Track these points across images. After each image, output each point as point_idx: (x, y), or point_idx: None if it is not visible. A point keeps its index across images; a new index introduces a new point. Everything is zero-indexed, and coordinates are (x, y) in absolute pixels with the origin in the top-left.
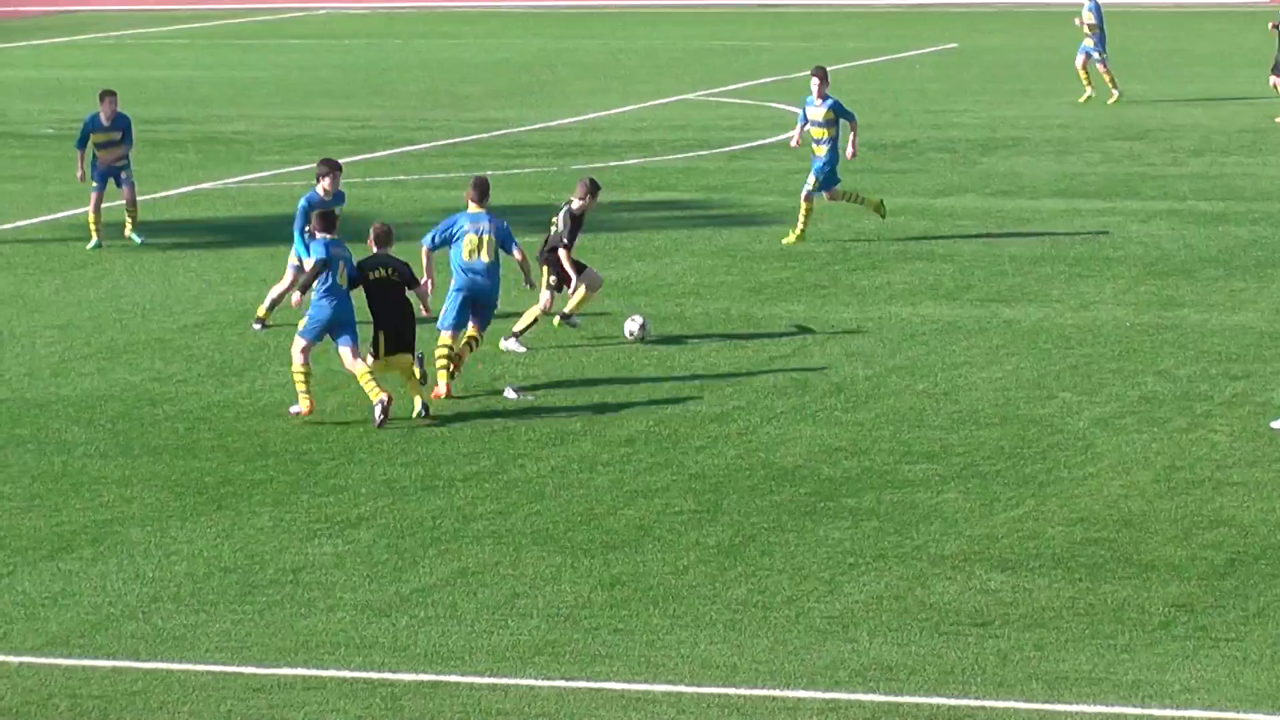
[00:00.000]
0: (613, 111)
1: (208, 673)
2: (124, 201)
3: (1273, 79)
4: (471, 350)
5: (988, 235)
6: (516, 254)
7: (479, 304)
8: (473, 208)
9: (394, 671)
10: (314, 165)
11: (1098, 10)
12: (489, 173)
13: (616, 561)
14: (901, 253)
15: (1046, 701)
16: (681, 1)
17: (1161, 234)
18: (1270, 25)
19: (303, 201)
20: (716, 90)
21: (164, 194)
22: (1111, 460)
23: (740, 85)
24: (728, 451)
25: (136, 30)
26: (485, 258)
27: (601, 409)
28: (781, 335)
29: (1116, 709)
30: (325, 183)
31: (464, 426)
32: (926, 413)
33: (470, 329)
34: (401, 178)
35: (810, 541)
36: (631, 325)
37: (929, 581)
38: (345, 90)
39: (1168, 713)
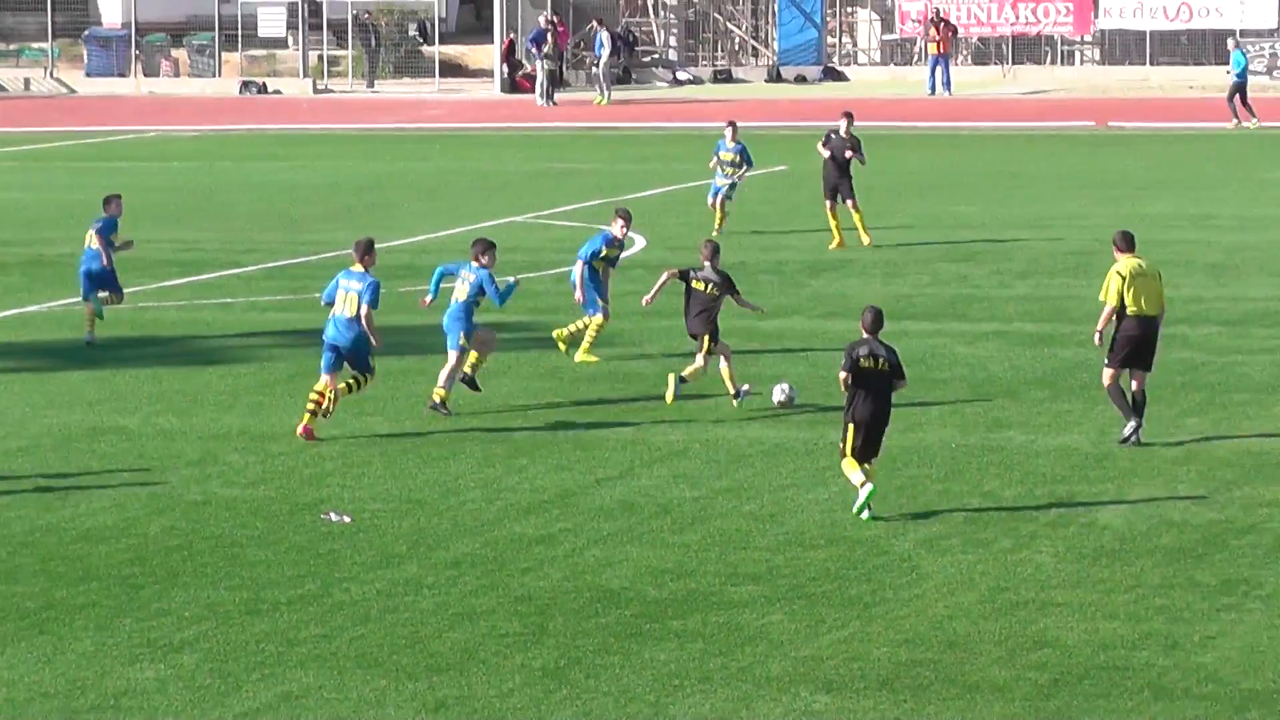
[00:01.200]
0: (443, 233)
1: None
2: None
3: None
4: (349, 391)
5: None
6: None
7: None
8: (356, 267)
9: None
10: (144, 286)
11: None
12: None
13: (442, 685)
14: (744, 375)
15: None
16: (512, 124)
17: (988, 356)
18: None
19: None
20: (546, 212)
21: None
22: (937, 581)
23: (570, 207)
24: (554, 574)
25: None
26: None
27: (427, 531)
28: (609, 457)
29: None
30: None
31: (289, 549)
32: (753, 534)
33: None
34: (228, 300)
35: (636, 664)
36: (779, 394)
37: (754, 704)
38: (174, 212)
39: None
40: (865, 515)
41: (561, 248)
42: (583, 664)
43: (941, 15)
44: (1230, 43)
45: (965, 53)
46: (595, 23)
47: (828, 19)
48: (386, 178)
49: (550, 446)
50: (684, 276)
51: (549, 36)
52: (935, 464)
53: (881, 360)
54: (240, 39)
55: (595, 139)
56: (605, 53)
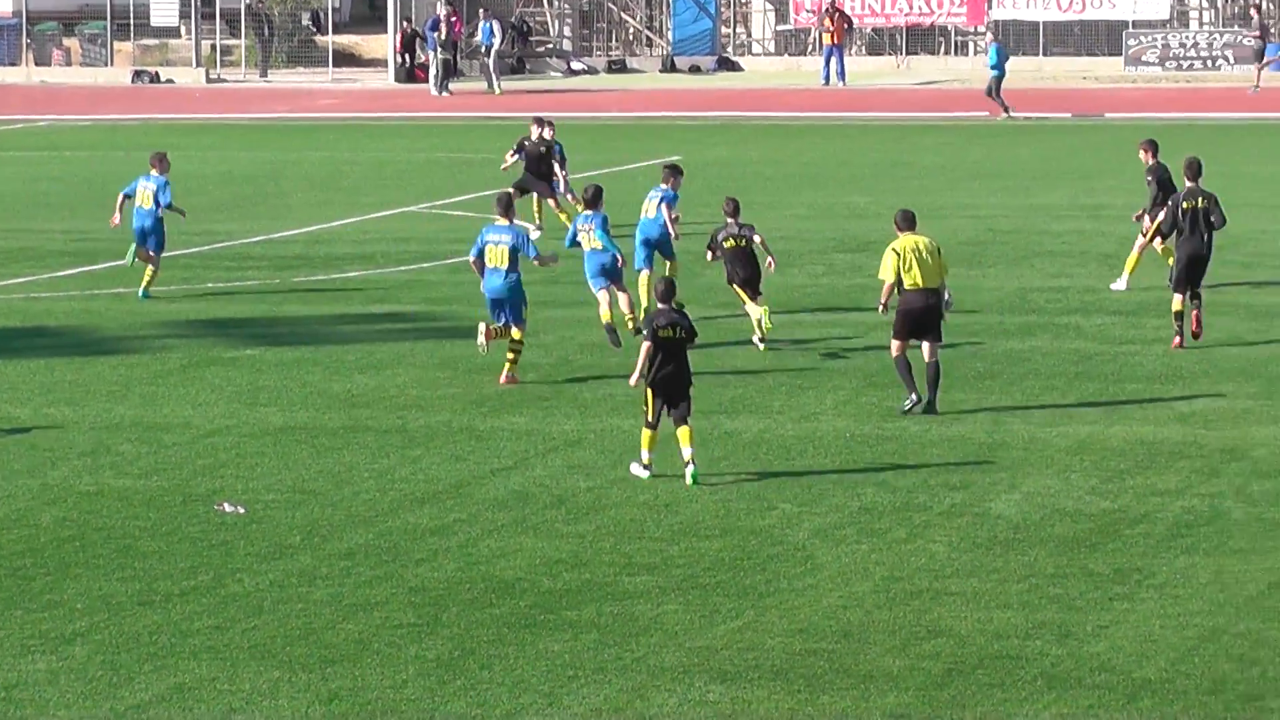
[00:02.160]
0: (336, 224)
1: None
2: None
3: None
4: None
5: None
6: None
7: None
8: (499, 220)
9: None
10: (36, 276)
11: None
12: (209, 285)
13: (335, 676)
14: (625, 364)
15: None
16: (407, 114)
17: (882, 346)
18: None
19: None
20: (440, 202)
21: None
22: (831, 571)
23: (464, 198)
24: (448, 564)
25: None
26: (504, 265)
27: (321, 522)
28: (503, 448)
29: None
30: None
31: (182, 540)
32: (648, 524)
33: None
34: (121, 290)
35: (530, 654)
36: None
37: (649, 694)
38: (66, 202)
39: None
40: (646, 474)
41: (456, 237)
42: (477, 655)
43: (836, 6)
44: (989, 37)
45: (859, 43)
46: (482, 12)
47: (722, 9)
48: (280, 167)
49: (444, 437)
50: (714, 245)
51: (442, 26)
52: (830, 454)
53: (680, 329)
54: (133, 28)
55: (490, 129)
56: (496, 42)
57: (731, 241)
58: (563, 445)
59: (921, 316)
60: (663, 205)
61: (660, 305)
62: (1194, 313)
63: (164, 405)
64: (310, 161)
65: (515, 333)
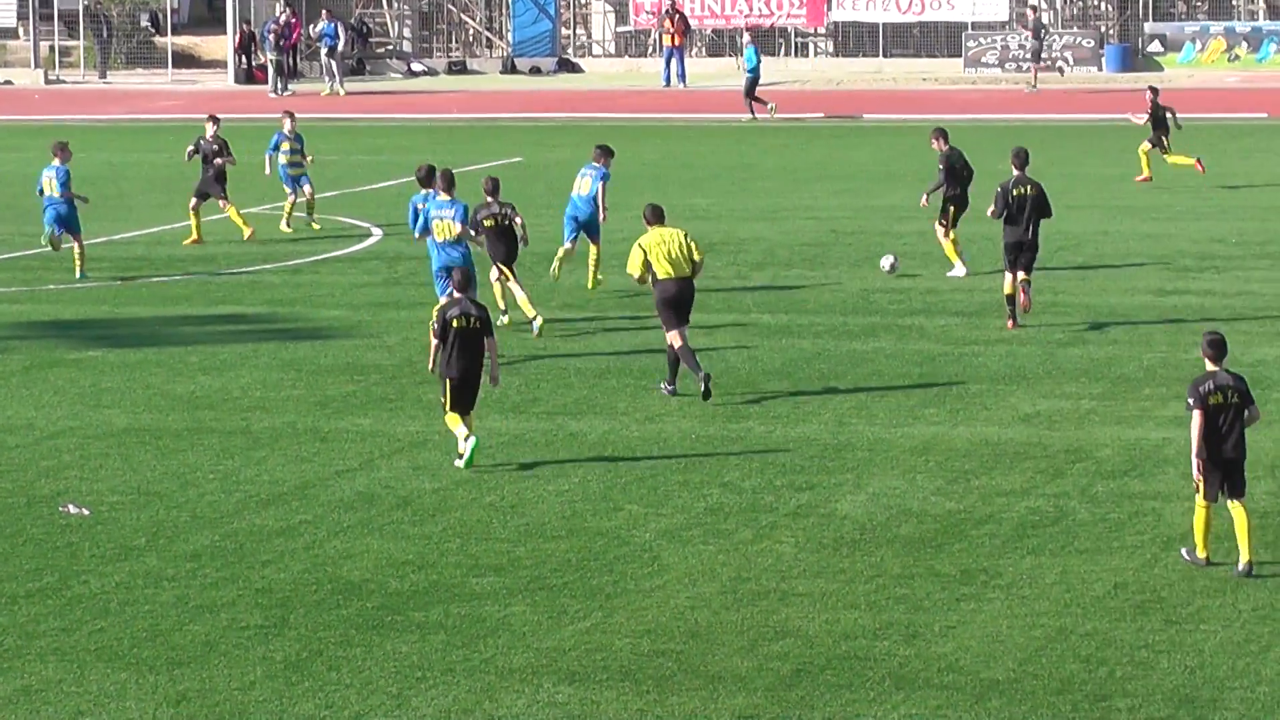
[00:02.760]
0: (178, 225)
1: None
2: None
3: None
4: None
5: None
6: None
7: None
8: (442, 196)
9: None
10: None
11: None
12: (50, 286)
13: (183, 678)
14: None
15: None
16: (246, 115)
17: (727, 347)
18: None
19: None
20: (282, 204)
21: None
22: (678, 572)
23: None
24: (294, 566)
25: None
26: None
27: (166, 524)
28: (348, 449)
29: None
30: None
31: (26, 542)
32: (494, 525)
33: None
34: None
35: (378, 655)
36: (885, 262)
37: (497, 695)
38: None
39: None
40: (460, 464)
41: (296, 238)
42: (324, 656)
43: (676, 7)
44: (746, 38)
45: (700, 45)
46: (325, 12)
47: (562, 11)
48: (120, 169)
49: (289, 438)
50: (474, 224)
51: (273, 27)
52: (675, 455)
53: (473, 319)
54: None
55: (329, 130)
56: (340, 43)
57: (491, 220)
58: (407, 446)
59: (677, 302)
60: (599, 183)
61: (456, 294)
62: (1022, 292)
63: (6, 407)
64: (151, 163)
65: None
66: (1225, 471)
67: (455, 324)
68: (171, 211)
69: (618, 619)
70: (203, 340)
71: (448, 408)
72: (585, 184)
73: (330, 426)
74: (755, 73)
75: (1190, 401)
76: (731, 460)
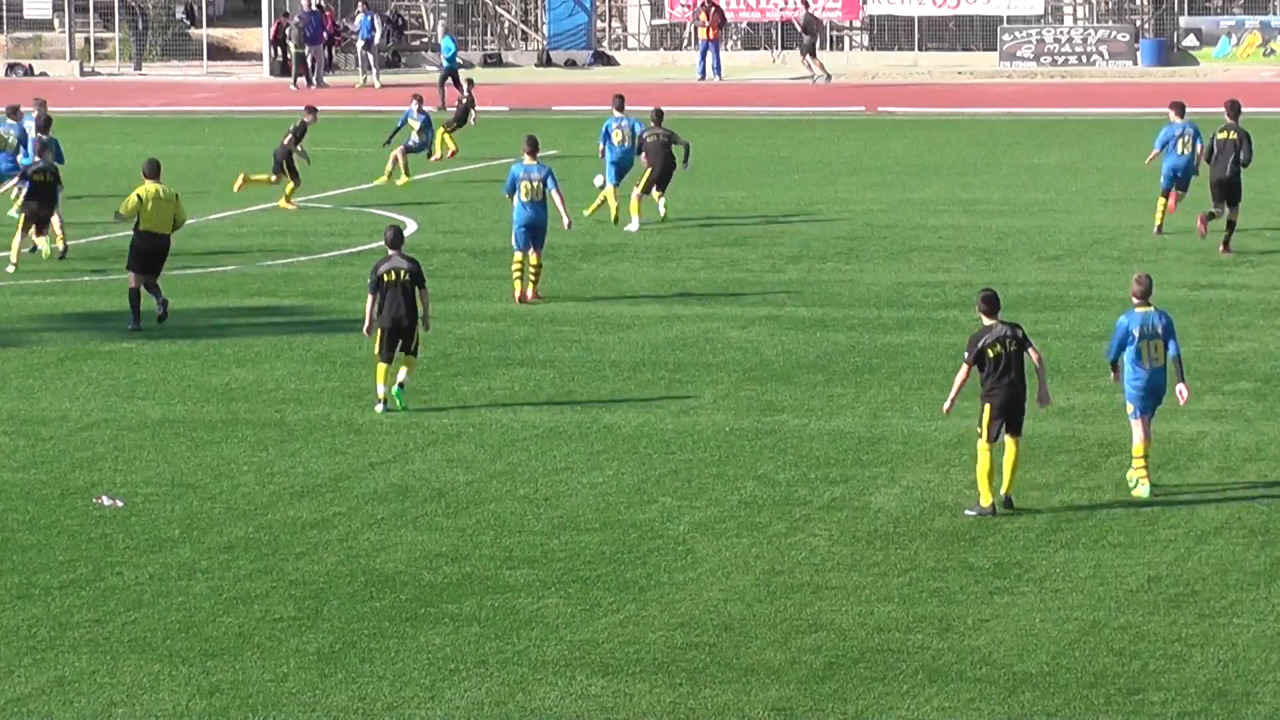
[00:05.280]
0: (211, 218)
1: None
2: None
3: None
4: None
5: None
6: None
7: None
8: (528, 160)
9: None
10: None
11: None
12: (85, 279)
13: (215, 669)
14: (503, 358)
15: None
16: (281, 108)
17: (761, 340)
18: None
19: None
20: (315, 196)
21: None
22: (711, 565)
23: (339, 191)
24: (328, 558)
25: None
26: (538, 198)
27: (200, 515)
28: (382, 441)
29: None
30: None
31: (60, 534)
32: (528, 518)
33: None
34: None
35: (411, 648)
36: None
37: (530, 687)
38: None
39: None
40: (378, 408)
41: (331, 231)
42: (358, 648)
43: (711, 1)
44: (440, 30)
45: (735, 38)
46: (361, 5)
47: (597, 4)
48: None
49: (323, 430)
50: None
51: (315, 20)
52: (709, 448)
53: (403, 271)
54: (5, 20)
55: (365, 123)
56: (376, 36)
57: (654, 137)
58: (441, 439)
59: (151, 256)
60: (635, 129)
61: (390, 251)
62: (1200, 220)
63: (41, 398)
64: (185, 155)
65: (535, 258)
66: (1008, 414)
67: (386, 278)
68: (206, 203)
69: (651, 611)
70: (237, 332)
71: (379, 357)
72: (624, 133)
73: (364, 419)
74: (452, 64)
75: (966, 355)
76: (765, 453)
